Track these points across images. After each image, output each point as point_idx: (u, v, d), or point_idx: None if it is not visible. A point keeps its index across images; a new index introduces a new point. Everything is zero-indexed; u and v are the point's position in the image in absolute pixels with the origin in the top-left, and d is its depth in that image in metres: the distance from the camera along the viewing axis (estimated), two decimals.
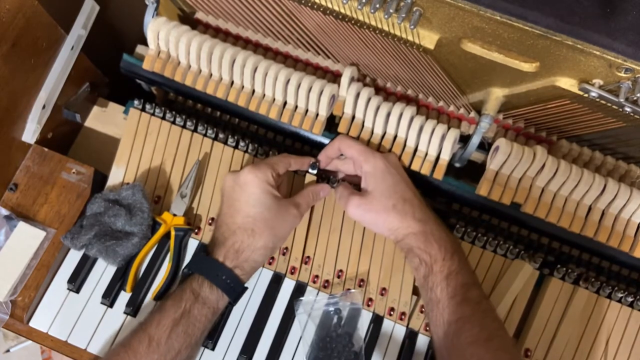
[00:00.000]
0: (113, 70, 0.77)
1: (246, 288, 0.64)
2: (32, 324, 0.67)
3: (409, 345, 0.66)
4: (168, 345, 0.57)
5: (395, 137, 0.69)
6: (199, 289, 0.60)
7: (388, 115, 0.68)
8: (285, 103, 0.72)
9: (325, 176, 0.71)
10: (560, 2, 0.53)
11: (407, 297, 0.68)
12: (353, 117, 0.70)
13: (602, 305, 0.67)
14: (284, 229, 0.65)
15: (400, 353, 0.66)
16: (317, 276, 0.69)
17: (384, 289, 0.68)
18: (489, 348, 0.56)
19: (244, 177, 0.64)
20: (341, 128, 0.70)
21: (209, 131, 0.73)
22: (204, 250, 0.66)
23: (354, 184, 0.70)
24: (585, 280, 0.68)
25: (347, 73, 0.70)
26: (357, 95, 0.69)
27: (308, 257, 0.69)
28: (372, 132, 0.70)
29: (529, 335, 0.66)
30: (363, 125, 0.70)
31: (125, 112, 0.79)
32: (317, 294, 0.68)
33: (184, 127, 0.73)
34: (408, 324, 0.67)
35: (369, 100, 0.69)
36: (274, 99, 0.71)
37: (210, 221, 0.71)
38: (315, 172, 0.70)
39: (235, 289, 0.62)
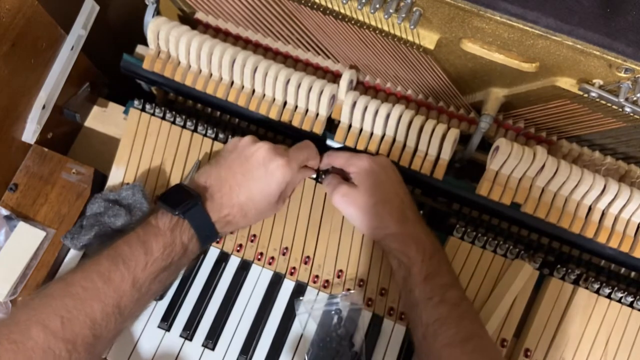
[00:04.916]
0: (113, 70, 0.77)
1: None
2: None
3: (409, 345, 0.66)
4: (150, 291, 0.58)
5: (395, 137, 0.69)
6: (188, 242, 0.60)
7: (388, 116, 0.68)
8: (285, 103, 0.72)
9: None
10: (560, 2, 0.53)
11: None
12: (350, 125, 0.70)
13: (602, 305, 0.67)
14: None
15: (400, 353, 0.66)
16: (317, 276, 0.69)
17: (383, 289, 0.68)
18: (465, 350, 0.56)
19: (280, 171, 0.63)
20: (339, 133, 0.70)
21: (209, 131, 0.73)
22: (195, 197, 0.61)
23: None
24: (585, 280, 0.68)
25: (345, 77, 0.70)
26: (355, 102, 0.69)
27: (308, 257, 0.69)
28: (372, 134, 0.70)
29: (529, 335, 0.66)
30: (362, 128, 0.70)
31: (125, 112, 0.79)
32: (317, 294, 0.68)
33: (184, 127, 0.73)
34: (408, 324, 0.67)
35: (367, 105, 0.69)
36: (274, 99, 0.71)
37: None
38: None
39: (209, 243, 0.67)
